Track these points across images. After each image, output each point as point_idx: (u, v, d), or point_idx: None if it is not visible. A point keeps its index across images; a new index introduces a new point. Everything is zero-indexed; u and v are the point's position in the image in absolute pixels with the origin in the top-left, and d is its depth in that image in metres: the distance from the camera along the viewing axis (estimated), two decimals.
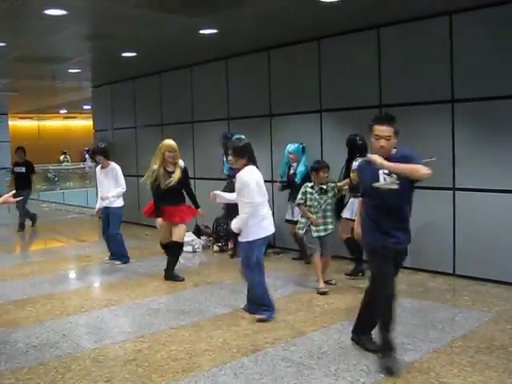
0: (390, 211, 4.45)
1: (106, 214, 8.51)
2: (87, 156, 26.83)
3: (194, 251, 9.41)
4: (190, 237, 9.39)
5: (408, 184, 4.34)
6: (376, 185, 4.33)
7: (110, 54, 10.01)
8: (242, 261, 5.88)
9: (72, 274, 8.46)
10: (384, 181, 4.33)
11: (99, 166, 8.65)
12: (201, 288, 7.16)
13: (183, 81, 11.35)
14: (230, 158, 6.03)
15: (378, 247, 4.52)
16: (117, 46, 9.22)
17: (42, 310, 6.32)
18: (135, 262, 8.66)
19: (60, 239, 11.79)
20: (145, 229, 11.92)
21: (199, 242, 9.57)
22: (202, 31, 8.09)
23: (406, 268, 7.10)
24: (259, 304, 5.84)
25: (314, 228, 6.77)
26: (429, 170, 4.18)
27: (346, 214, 7.29)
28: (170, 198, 7.38)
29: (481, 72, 6.88)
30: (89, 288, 7.56)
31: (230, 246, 9.12)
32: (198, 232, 9.97)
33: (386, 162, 4.23)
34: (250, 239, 5.72)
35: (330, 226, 6.85)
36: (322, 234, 6.78)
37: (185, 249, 9.40)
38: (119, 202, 8.49)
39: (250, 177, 5.67)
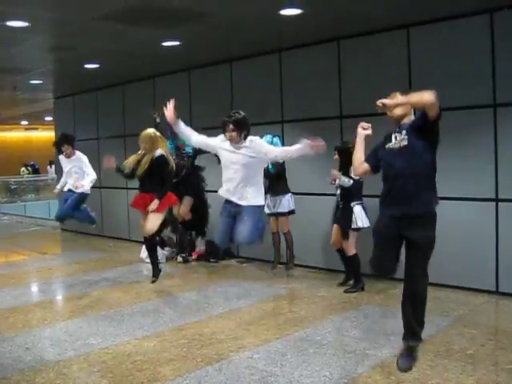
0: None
1: (68, 197, 8.38)
2: (49, 168, 26.53)
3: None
4: None
5: (420, 137, 4.13)
6: (388, 145, 4.28)
7: (72, 66, 9.97)
8: (255, 229, 5.59)
9: (34, 287, 8.38)
10: (395, 140, 4.26)
11: (63, 154, 8.51)
12: (165, 299, 7.17)
13: (146, 92, 11.36)
14: (229, 134, 5.58)
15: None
16: (79, 58, 9.20)
17: (4, 323, 6.25)
18: (98, 273, 8.61)
19: (22, 252, 11.64)
20: (108, 240, 11.88)
21: (163, 254, 9.56)
22: (164, 43, 8.14)
23: (367, 276, 7.25)
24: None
25: None
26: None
27: (354, 224, 7.07)
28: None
29: (438, 84, 7.07)
30: (52, 300, 7.51)
31: (195, 255, 9.23)
32: (161, 243, 9.96)
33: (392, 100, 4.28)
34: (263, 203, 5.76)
35: None
36: None
37: (148, 260, 9.42)
38: (87, 190, 8.39)
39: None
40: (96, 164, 12.71)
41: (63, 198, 8.55)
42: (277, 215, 8.16)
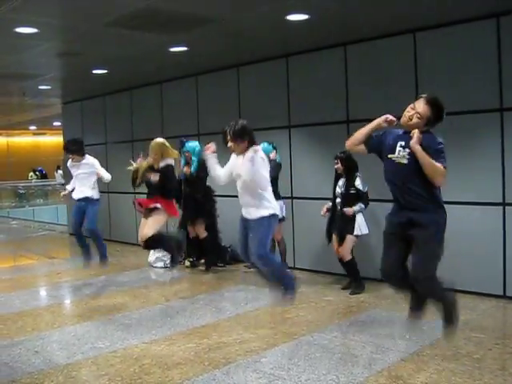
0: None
1: (82, 207, 8.14)
2: (56, 173, 26.63)
3: (166, 267, 9.42)
4: (161, 252, 9.41)
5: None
6: (390, 156, 4.47)
7: (80, 71, 10.05)
8: (260, 241, 5.55)
9: (43, 291, 8.43)
10: (398, 154, 4.42)
11: (70, 159, 8.33)
12: (173, 302, 7.20)
13: (154, 97, 11.43)
14: (229, 144, 5.57)
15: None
16: (87, 64, 9.27)
17: (14, 327, 6.29)
18: (107, 277, 8.66)
19: (30, 256, 11.70)
20: (115, 245, 11.93)
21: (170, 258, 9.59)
22: (171, 49, 8.20)
23: (373, 280, 7.26)
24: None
25: None
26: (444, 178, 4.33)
27: (357, 231, 7.18)
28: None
29: (444, 88, 7.09)
30: (60, 304, 7.55)
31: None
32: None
33: (417, 147, 4.30)
34: (273, 212, 5.59)
35: None
36: None
37: (156, 264, 9.46)
38: (98, 194, 8.28)
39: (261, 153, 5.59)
40: (104, 169, 12.81)
41: (74, 209, 8.35)
42: None
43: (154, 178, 7.11)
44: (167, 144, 7.33)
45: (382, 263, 4.78)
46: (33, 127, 26.33)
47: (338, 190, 7.30)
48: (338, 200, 7.28)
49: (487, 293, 6.88)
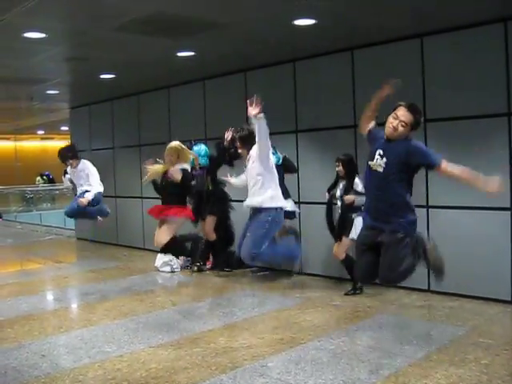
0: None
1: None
2: (63, 177, 26.68)
3: (173, 271, 9.42)
4: (168, 257, 9.41)
5: (398, 168, 4.52)
6: (370, 162, 4.61)
7: (88, 76, 10.08)
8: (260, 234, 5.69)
9: (50, 295, 8.45)
10: (376, 161, 4.53)
11: (69, 166, 8.53)
12: (179, 307, 7.20)
13: (161, 102, 11.45)
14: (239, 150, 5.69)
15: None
16: (95, 68, 9.31)
17: (21, 331, 6.30)
18: (113, 282, 8.67)
19: (37, 260, 11.73)
20: (122, 249, 11.94)
21: (177, 262, 9.59)
22: (179, 53, 8.23)
23: (380, 285, 7.22)
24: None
25: None
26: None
27: (353, 234, 7.14)
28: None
29: (451, 93, 7.08)
30: (67, 308, 7.57)
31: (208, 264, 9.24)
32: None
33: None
34: (279, 205, 5.62)
35: None
36: None
37: (163, 269, 9.46)
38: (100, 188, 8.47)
39: None
40: (111, 173, 12.87)
41: (75, 197, 8.64)
42: None
43: (176, 175, 7.18)
44: (183, 146, 7.39)
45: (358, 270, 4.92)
46: (41, 132, 26.41)
47: (339, 193, 7.33)
48: (339, 203, 7.30)
49: (495, 298, 6.84)
